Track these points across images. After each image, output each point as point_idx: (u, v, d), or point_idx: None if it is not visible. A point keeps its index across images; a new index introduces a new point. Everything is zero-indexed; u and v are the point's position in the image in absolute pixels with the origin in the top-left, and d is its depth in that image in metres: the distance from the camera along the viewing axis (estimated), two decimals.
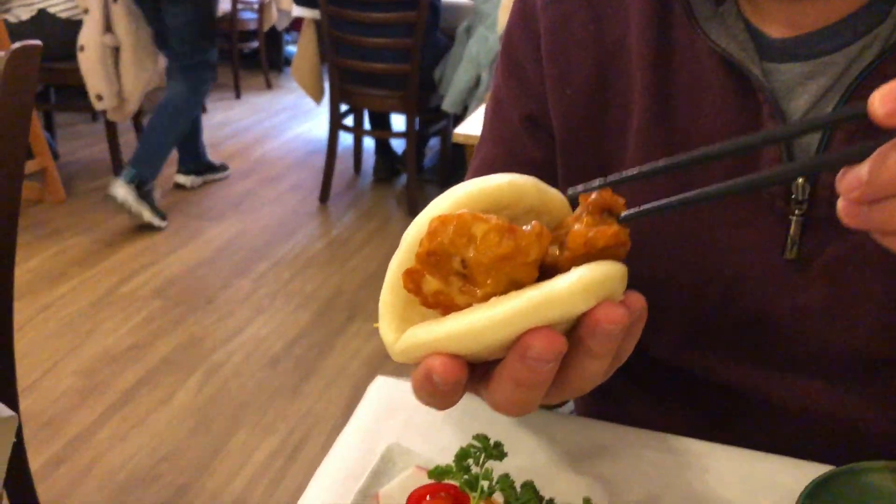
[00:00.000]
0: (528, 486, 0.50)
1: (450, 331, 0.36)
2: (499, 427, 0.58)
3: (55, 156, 3.59)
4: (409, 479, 0.55)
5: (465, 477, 0.51)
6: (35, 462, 1.83)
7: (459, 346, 0.36)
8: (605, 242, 0.37)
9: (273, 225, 3.36)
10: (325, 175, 3.58)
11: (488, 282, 0.36)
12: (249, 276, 2.88)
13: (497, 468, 0.52)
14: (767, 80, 0.59)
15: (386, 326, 0.40)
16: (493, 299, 0.36)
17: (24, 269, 2.78)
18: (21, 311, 2.50)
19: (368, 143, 4.26)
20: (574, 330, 0.37)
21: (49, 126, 4.04)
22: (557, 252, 0.38)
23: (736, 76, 0.60)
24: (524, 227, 0.37)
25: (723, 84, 0.61)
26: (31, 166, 3.15)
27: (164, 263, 2.93)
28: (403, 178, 3.84)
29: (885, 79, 0.34)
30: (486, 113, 0.76)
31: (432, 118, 3.66)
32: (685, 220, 0.64)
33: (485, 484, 0.51)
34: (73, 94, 3.52)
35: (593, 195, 0.39)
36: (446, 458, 0.54)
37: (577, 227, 0.38)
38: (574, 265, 0.36)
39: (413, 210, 3.44)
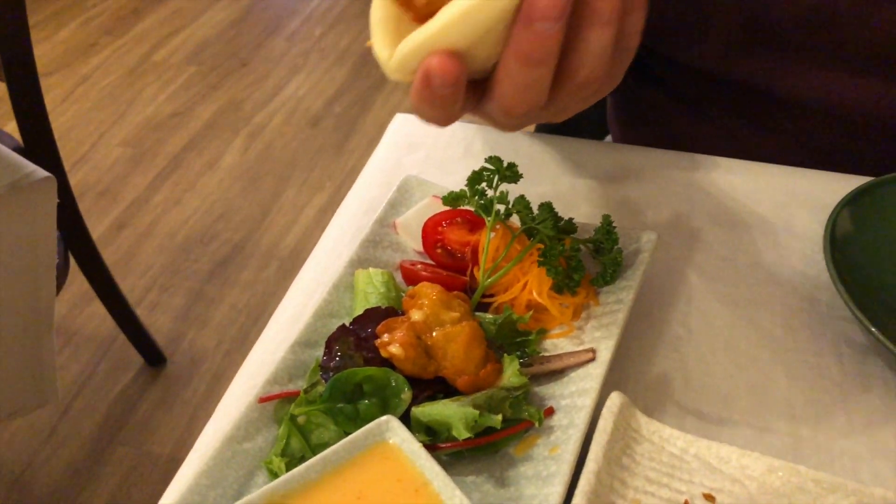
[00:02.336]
0: (546, 205, 0.48)
1: (443, 22, 0.33)
2: (521, 157, 0.55)
3: None
4: (426, 207, 0.54)
5: (481, 201, 0.50)
6: (97, 229, 1.93)
7: (456, 36, 0.33)
8: None
9: None
10: None
11: None
12: (281, 34, 2.78)
13: (515, 194, 0.50)
14: None
15: (379, 43, 0.37)
16: None
17: (55, 42, 2.73)
18: (60, 85, 2.50)
19: None
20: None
21: None
22: None
23: None
24: None
25: None
26: None
27: (193, 27, 2.84)
28: None
29: None
30: None
31: None
32: None
33: (500, 207, 0.49)
34: None
35: None
36: None
37: None
38: None
39: None
